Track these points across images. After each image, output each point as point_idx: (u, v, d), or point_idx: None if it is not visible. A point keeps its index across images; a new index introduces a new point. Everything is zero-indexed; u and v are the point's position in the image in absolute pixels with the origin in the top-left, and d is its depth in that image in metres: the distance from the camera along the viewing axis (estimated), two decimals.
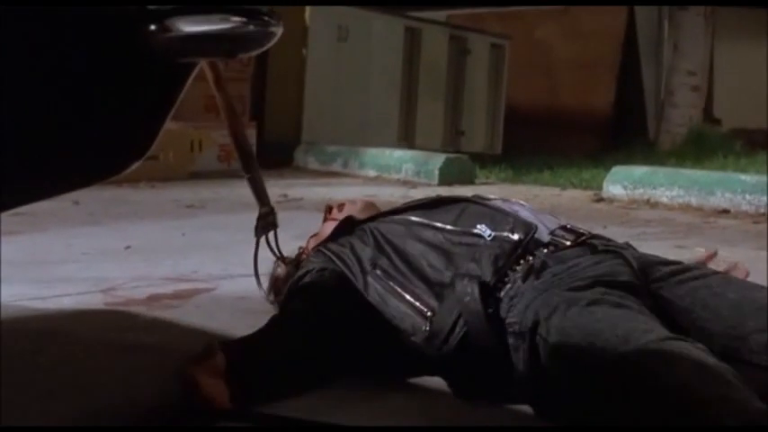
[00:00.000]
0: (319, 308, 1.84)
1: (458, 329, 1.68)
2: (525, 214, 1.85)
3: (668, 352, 1.41)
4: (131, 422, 1.62)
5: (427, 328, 1.72)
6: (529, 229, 1.78)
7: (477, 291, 1.67)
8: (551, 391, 1.58)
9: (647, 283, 1.72)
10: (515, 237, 1.76)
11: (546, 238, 1.80)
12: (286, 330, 1.78)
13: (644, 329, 1.49)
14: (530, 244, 1.75)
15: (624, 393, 1.42)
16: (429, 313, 1.74)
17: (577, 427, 1.59)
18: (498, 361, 1.66)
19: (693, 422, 1.30)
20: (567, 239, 1.79)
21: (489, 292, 1.68)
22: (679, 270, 1.75)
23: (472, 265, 1.73)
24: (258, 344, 1.72)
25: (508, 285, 1.69)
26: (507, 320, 1.65)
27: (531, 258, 1.73)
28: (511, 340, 1.63)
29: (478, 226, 1.81)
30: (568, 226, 1.86)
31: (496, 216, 1.84)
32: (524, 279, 1.69)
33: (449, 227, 1.86)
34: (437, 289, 1.76)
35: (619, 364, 1.43)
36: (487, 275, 1.70)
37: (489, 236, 1.79)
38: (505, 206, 1.89)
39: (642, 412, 1.37)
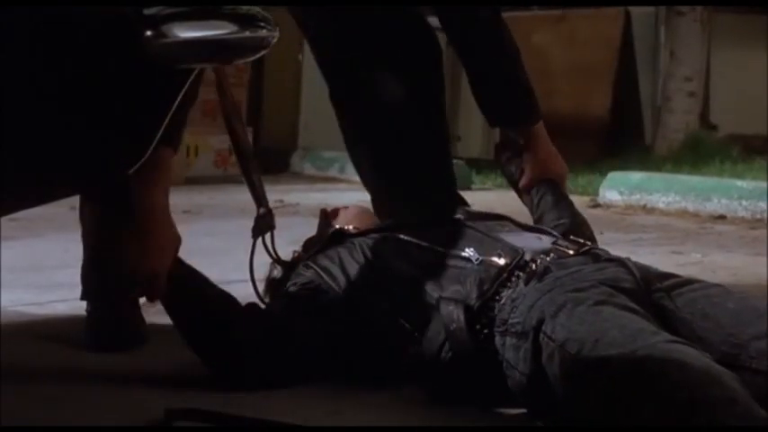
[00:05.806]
0: (298, 318, 1.88)
1: (443, 353, 1.70)
2: (513, 238, 1.86)
3: (676, 352, 1.43)
4: (127, 424, 1.63)
5: (413, 349, 1.74)
6: (516, 254, 1.79)
7: (462, 318, 1.69)
8: (550, 393, 1.58)
9: (649, 292, 1.73)
10: (502, 262, 1.77)
11: (545, 248, 1.81)
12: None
13: (652, 331, 1.52)
14: (515, 268, 1.76)
15: (629, 391, 1.43)
16: (416, 334, 1.75)
17: (577, 427, 1.59)
18: (484, 379, 1.68)
19: (698, 423, 1.32)
20: (570, 249, 1.81)
21: (475, 316, 1.69)
22: (680, 283, 1.78)
23: (457, 287, 1.75)
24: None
25: (509, 290, 1.71)
26: (509, 322, 1.66)
27: (533, 265, 1.75)
28: (513, 341, 1.64)
29: (467, 249, 1.83)
30: (570, 237, 1.88)
31: (485, 240, 1.86)
32: (527, 283, 1.71)
33: (438, 248, 1.87)
34: (423, 310, 1.77)
35: (626, 361, 1.44)
36: (473, 299, 1.71)
37: (477, 260, 1.81)
38: (493, 232, 1.90)
39: (647, 411, 1.38)
